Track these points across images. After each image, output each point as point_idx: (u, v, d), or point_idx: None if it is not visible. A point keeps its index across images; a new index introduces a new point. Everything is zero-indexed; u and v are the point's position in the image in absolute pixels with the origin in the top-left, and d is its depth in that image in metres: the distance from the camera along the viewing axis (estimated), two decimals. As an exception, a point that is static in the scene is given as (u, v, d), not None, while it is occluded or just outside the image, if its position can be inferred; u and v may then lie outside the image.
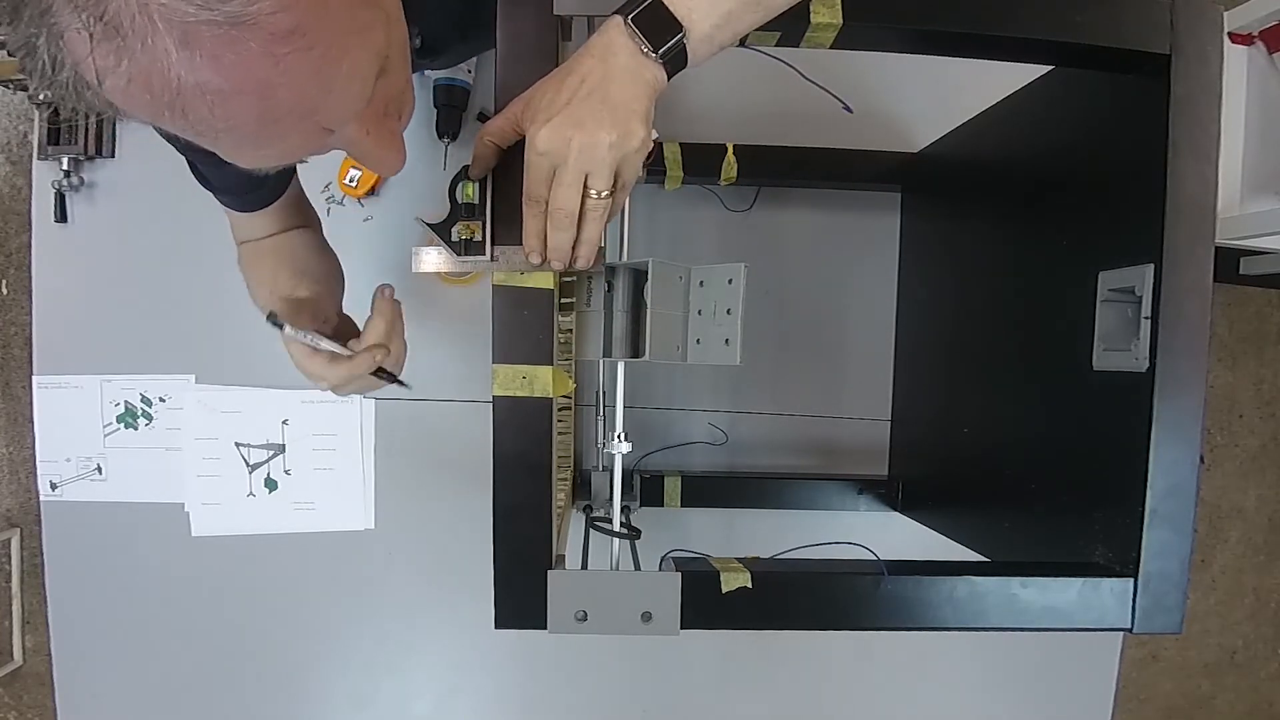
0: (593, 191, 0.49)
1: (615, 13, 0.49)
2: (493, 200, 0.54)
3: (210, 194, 0.71)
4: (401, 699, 1.20)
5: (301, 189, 0.79)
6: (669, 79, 0.50)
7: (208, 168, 0.68)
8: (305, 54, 0.37)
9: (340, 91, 0.41)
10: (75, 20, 0.33)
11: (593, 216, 0.51)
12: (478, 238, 0.54)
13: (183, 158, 0.67)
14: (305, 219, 0.80)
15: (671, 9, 0.48)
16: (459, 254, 0.55)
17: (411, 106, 0.55)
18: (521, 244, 0.53)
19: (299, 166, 0.77)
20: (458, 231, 0.54)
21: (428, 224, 0.55)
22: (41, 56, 0.35)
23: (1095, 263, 0.68)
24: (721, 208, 1.18)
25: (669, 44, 0.48)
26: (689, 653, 1.22)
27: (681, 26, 0.48)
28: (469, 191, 0.54)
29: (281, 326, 0.61)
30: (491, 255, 0.55)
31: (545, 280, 0.56)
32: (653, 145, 0.50)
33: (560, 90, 0.48)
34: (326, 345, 0.62)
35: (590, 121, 0.47)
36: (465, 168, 0.54)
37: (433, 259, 0.56)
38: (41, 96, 1.06)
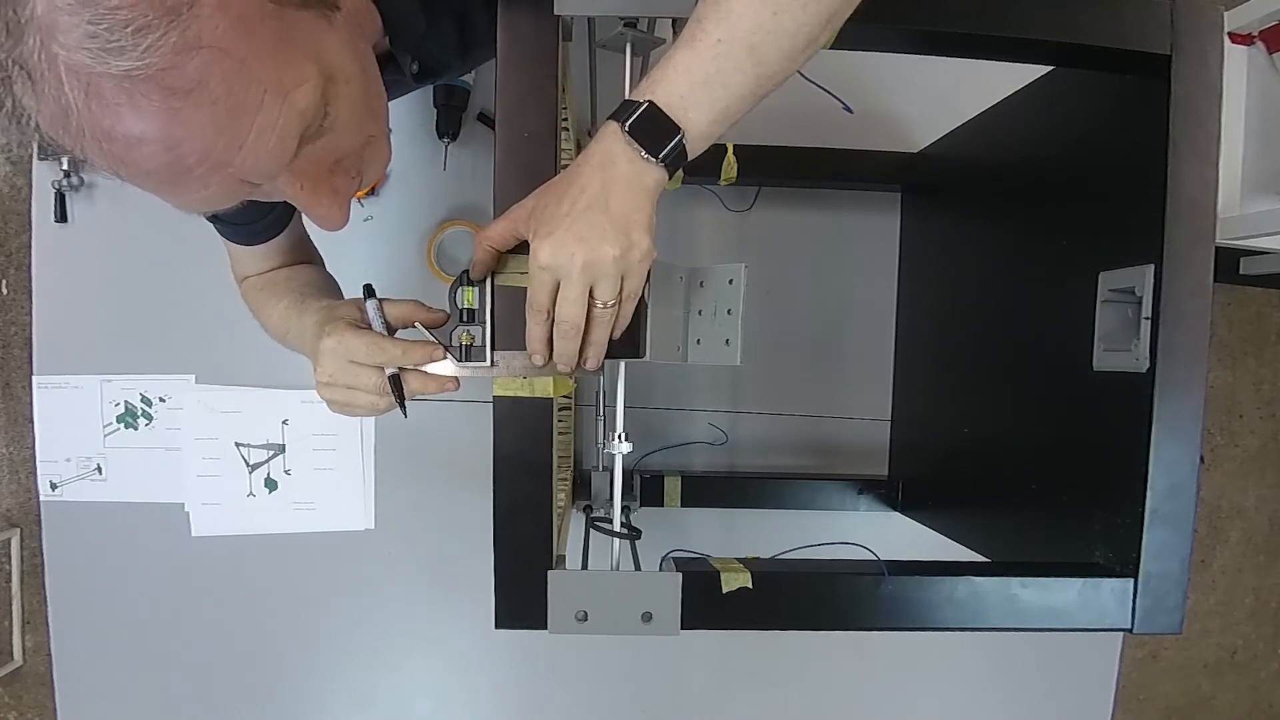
0: (598, 303, 0.49)
1: (611, 119, 0.48)
2: (492, 307, 0.55)
3: (209, 222, 0.70)
4: (401, 699, 1.20)
5: (304, 229, 0.77)
6: (670, 176, 0.49)
7: None
8: (207, 108, 0.38)
9: (253, 147, 0.41)
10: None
11: (599, 323, 0.50)
12: (478, 343, 0.55)
13: None
14: (308, 256, 0.79)
15: (668, 113, 0.46)
16: (458, 359, 0.56)
17: (384, 160, 0.55)
18: (521, 348, 0.54)
19: None
20: (458, 336, 0.55)
21: (428, 330, 0.57)
22: None
23: (1095, 263, 0.68)
24: (721, 208, 1.18)
25: (668, 148, 0.47)
26: (689, 653, 1.22)
27: (679, 129, 0.47)
28: (469, 297, 0.55)
29: (374, 294, 0.59)
30: (491, 361, 0.55)
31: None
32: (656, 252, 0.50)
33: (560, 202, 0.48)
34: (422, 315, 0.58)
35: (592, 235, 0.46)
36: (464, 273, 0.54)
37: (448, 367, 0.56)
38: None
